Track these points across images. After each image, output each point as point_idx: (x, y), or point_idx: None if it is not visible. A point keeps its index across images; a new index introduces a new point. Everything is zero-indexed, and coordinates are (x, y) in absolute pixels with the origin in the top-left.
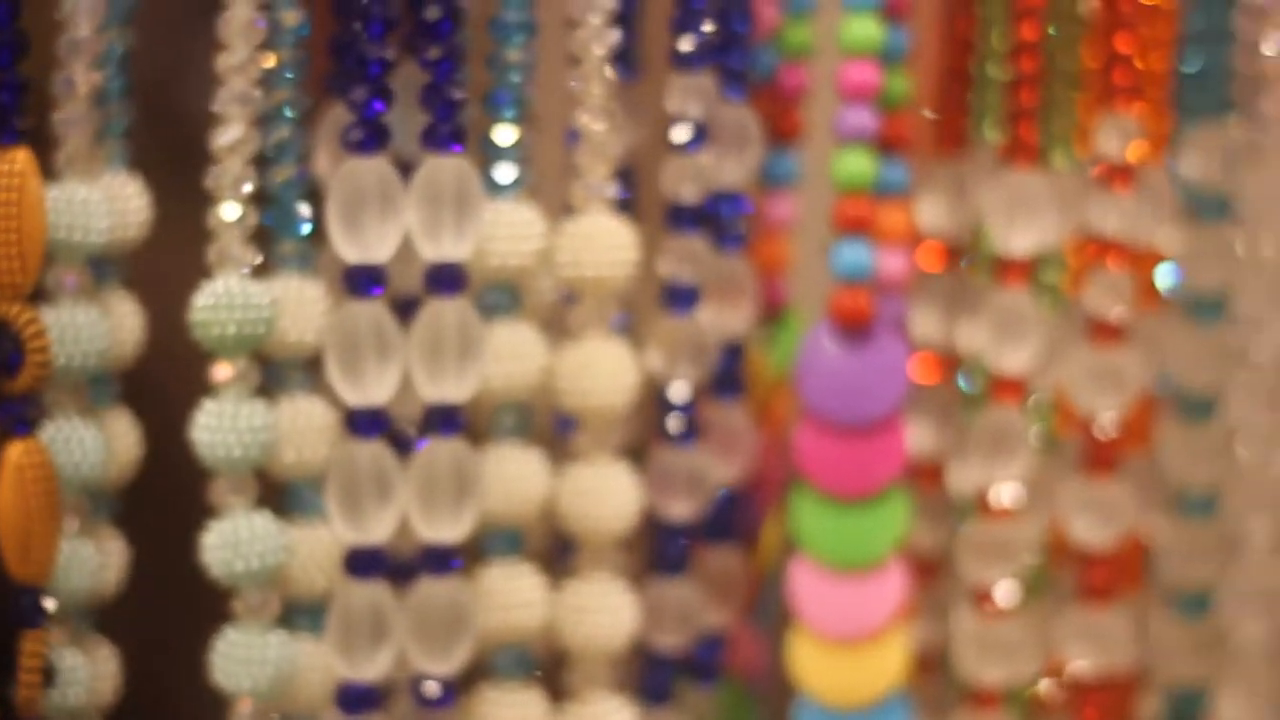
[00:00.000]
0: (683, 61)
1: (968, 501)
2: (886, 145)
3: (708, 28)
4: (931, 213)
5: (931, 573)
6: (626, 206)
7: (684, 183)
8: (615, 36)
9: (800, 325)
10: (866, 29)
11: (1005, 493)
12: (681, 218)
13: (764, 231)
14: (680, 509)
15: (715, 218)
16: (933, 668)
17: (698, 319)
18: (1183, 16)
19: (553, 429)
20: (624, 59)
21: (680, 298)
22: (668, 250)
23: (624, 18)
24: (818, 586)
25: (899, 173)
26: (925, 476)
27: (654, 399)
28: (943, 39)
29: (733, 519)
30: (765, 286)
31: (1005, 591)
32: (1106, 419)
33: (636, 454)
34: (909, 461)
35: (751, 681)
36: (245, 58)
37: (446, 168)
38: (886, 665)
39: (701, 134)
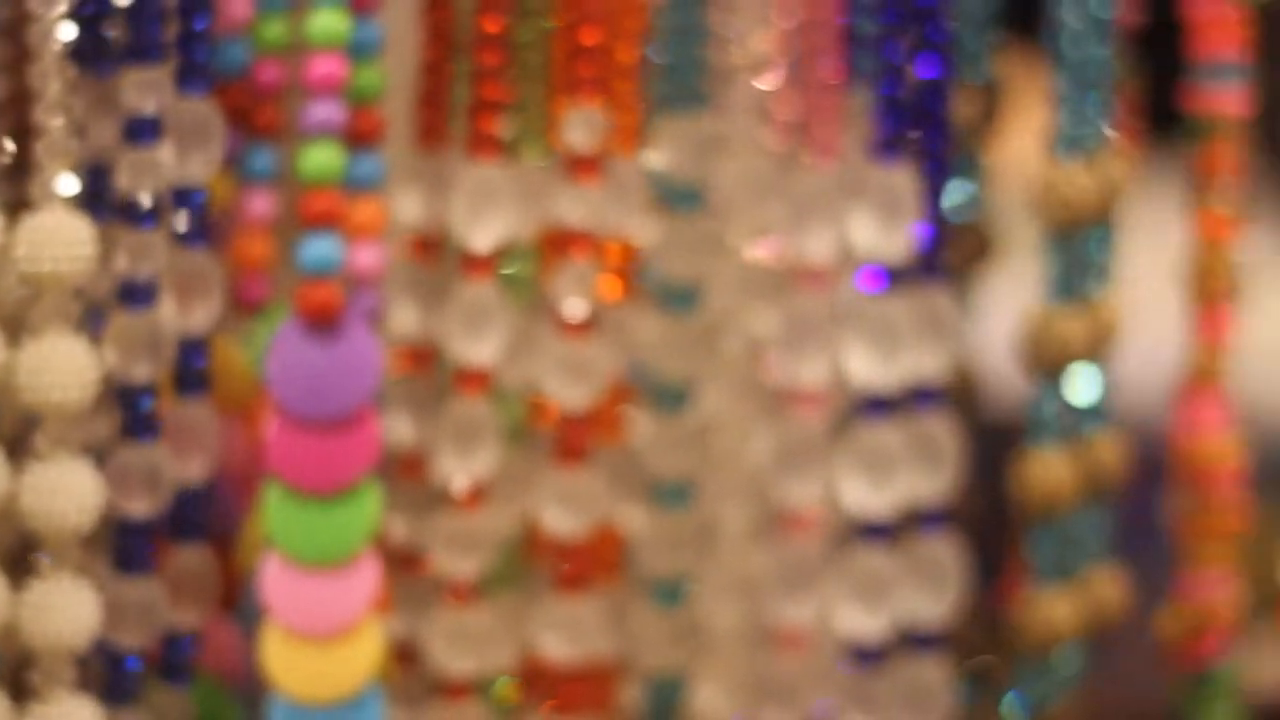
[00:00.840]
0: (140, 56)
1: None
2: (358, 139)
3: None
4: (409, 207)
5: (410, 565)
6: (96, 202)
7: (139, 178)
8: (72, 31)
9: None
10: (332, 21)
11: (473, 483)
12: (137, 213)
13: (243, 228)
14: (138, 507)
15: (176, 213)
16: (410, 660)
17: (154, 315)
18: (654, 9)
19: (14, 427)
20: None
21: (135, 294)
22: (122, 246)
23: (103, 13)
24: (288, 582)
25: (371, 167)
26: (406, 469)
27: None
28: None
29: (202, 517)
30: (245, 283)
31: (474, 582)
32: (575, 409)
33: (102, 452)
34: (385, 455)
35: (231, 681)
36: None
37: None
38: (359, 660)
39: (157, 129)
